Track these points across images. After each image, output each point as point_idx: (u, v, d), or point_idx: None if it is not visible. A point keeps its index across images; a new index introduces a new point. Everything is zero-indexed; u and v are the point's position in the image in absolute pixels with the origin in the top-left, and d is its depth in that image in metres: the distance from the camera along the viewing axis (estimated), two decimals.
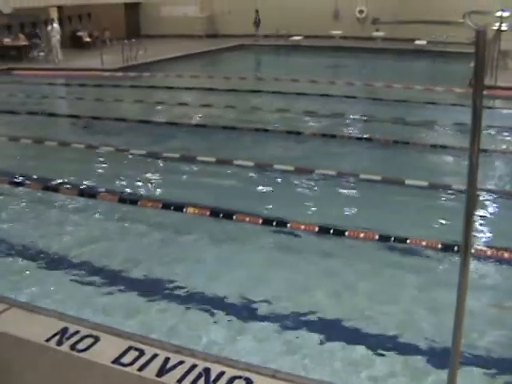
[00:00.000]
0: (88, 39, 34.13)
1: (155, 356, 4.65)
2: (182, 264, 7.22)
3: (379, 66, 28.20)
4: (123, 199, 9.27)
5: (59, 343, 4.84)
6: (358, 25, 34.73)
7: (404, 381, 5.04)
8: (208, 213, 8.44)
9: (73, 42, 34.22)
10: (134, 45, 26.92)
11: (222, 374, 4.44)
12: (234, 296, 6.38)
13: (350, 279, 6.75)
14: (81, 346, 4.80)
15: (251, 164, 10.96)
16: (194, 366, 4.53)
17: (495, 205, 9.14)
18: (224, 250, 7.64)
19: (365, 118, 15.34)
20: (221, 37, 36.30)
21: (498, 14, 18.93)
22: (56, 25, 28.32)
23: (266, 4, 35.46)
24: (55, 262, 7.29)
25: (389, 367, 5.17)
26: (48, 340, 4.89)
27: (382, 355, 5.33)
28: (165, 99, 18.27)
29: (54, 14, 33.21)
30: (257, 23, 35.80)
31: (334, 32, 33.32)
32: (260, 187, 10.11)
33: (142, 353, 4.69)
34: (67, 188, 9.84)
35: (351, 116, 15.51)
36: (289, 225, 7.99)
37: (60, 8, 33.50)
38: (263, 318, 5.95)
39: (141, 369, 4.49)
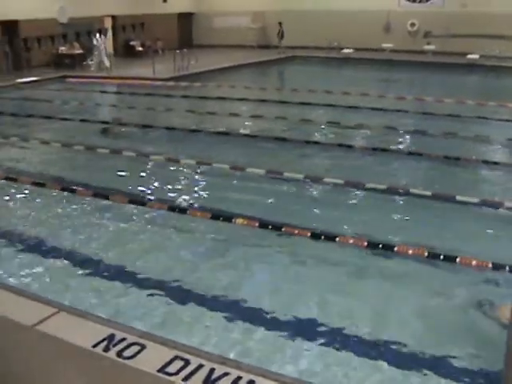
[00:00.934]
0: (140, 48, 34.72)
1: (200, 366, 4.63)
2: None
3: (430, 79, 27.85)
4: (172, 208, 9.31)
5: (106, 349, 4.87)
6: (409, 38, 34.44)
7: None
8: (257, 224, 8.43)
9: (126, 51, 34.85)
10: (186, 55, 27.17)
11: None
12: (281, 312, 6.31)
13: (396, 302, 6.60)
14: (127, 353, 4.81)
15: (301, 176, 10.90)
16: (239, 378, 4.50)
17: None
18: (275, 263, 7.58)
19: (415, 132, 15.14)
20: (273, 47, 36.40)
21: None
22: (109, 34, 28.88)
23: (318, 17, 35.44)
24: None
25: None
26: (95, 346, 4.91)
27: None
28: (215, 109, 18.33)
29: (108, 24, 33.91)
30: (280, 35, 35.99)
31: (385, 45, 33.12)
32: (309, 200, 10.06)
33: (187, 362, 4.68)
34: (117, 195, 9.93)
35: (402, 130, 15.32)
36: (337, 239, 7.92)
37: (114, 17, 34.17)
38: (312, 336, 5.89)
39: (186, 379, 4.48)
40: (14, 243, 8.13)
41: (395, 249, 7.58)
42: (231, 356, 5.22)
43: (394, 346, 5.66)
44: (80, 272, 7.26)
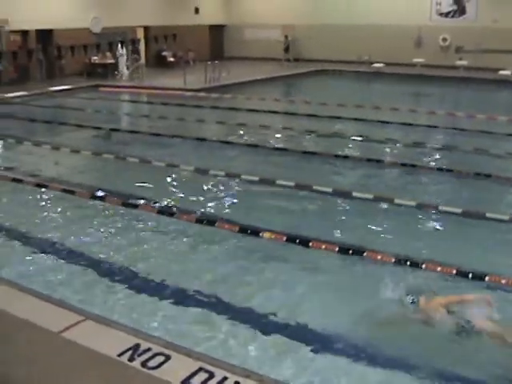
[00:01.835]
0: (172, 59, 34.98)
1: (225, 379, 4.61)
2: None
3: (462, 95, 27.69)
4: (200, 220, 9.31)
5: (131, 359, 4.87)
6: (440, 53, 34.16)
7: None
8: (284, 238, 8.40)
9: (157, 62, 35.15)
10: (217, 66, 27.29)
11: None
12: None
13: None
14: (152, 363, 4.81)
15: (329, 190, 10.86)
16: None
17: None
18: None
19: (446, 148, 15.01)
20: (302, 61, 36.42)
21: None
22: (141, 44, 29.32)
23: (348, 31, 35.38)
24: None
25: None
26: (120, 355, 4.92)
27: None
28: (245, 121, 18.36)
29: (141, 34, 34.26)
30: (286, 48, 36.95)
31: (416, 60, 32.92)
32: (338, 214, 10.00)
33: (211, 375, 4.66)
34: (146, 205, 9.99)
35: (432, 146, 15.20)
36: (365, 254, 7.87)
37: (146, 28, 34.50)
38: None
39: None
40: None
41: (423, 266, 7.48)
42: None
43: None
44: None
